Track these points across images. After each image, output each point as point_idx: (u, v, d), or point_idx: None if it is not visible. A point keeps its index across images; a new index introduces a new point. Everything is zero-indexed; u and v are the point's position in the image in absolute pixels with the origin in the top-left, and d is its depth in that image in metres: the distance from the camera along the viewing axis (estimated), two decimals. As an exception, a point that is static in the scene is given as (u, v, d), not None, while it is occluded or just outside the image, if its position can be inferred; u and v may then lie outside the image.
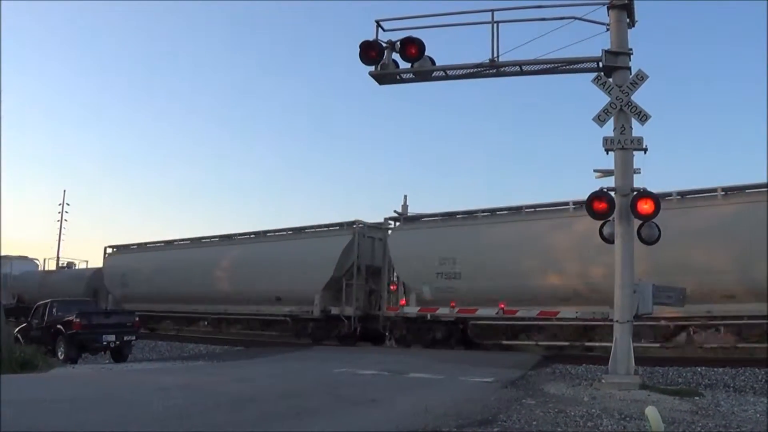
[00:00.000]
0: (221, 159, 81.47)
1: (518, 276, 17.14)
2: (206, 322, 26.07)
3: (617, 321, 10.36)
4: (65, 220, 48.23)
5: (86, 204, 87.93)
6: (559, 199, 18.21)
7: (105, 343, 17.17)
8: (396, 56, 11.48)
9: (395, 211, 20.48)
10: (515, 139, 74.55)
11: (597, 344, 16.37)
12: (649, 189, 10.27)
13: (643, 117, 10.47)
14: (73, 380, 11.99)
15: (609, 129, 10.63)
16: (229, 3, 69.16)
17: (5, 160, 66.89)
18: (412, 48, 11.20)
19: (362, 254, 20.75)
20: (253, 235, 25.10)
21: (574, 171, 66.08)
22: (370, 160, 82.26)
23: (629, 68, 10.78)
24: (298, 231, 23.40)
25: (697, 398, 9.58)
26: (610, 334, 11.28)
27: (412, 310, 19.03)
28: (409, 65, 11.50)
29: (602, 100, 10.64)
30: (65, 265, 37.09)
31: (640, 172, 10.47)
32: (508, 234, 17.97)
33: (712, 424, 7.47)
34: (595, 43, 10.83)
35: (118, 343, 17.33)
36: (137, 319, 18.68)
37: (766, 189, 14.60)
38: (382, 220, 21.48)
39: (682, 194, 15.98)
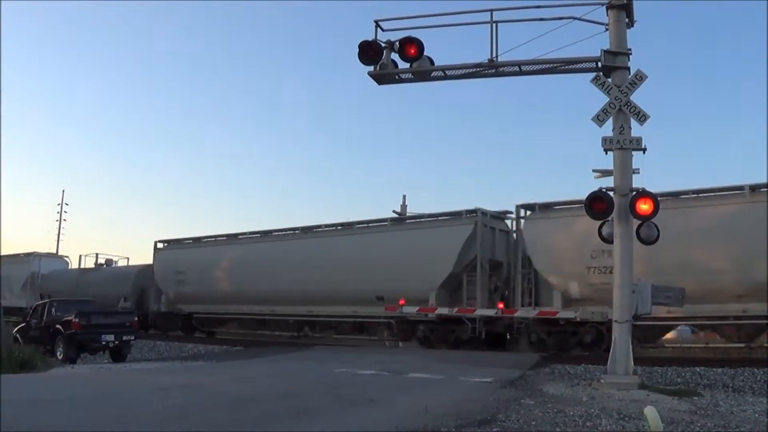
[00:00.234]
0: (221, 159, 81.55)
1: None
2: (290, 322, 22.86)
3: (616, 321, 10.37)
4: (64, 220, 48.26)
5: (85, 204, 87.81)
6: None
7: (104, 342, 17.16)
8: (395, 56, 11.49)
9: (394, 211, 20.26)
10: (515, 139, 74.71)
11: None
12: (648, 189, 10.29)
13: (642, 117, 10.48)
14: (71, 380, 11.97)
15: (608, 129, 10.64)
16: (229, 3, 69.32)
17: (5, 160, 66.85)
18: (411, 48, 11.20)
19: (484, 247, 18.62)
20: (339, 227, 22.74)
21: (573, 171, 66.16)
22: (369, 160, 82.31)
23: (628, 68, 10.78)
24: (399, 221, 21.41)
25: (696, 398, 9.59)
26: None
27: (411, 310, 18.51)
28: (408, 65, 11.51)
29: (601, 100, 10.66)
30: (104, 263, 33.60)
31: (639, 172, 10.50)
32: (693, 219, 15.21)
33: (711, 424, 7.48)
34: (594, 43, 10.86)
35: (117, 342, 17.32)
36: (136, 319, 18.69)
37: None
38: (499, 209, 19.58)
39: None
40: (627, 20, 10.96)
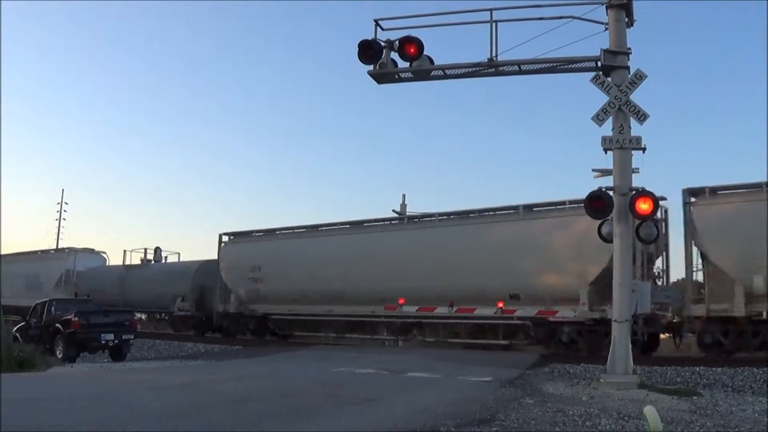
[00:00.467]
0: (221, 159, 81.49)
1: None
2: (397, 324, 19.73)
3: (615, 320, 10.36)
4: (64, 219, 48.17)
5: (86, 203, 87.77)
6: None
7: (103, 342, 17.15)
8: (395, 55, 11.48)
9: (394, 211, 20.20)
10: (514, 139, 74.70)
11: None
12: (647, 188, 10.29)
13: (641, 116, 10.48)
14: (71, 379, 11.97)
15: (608, 128, 10.65)
16: (229, 3, 69.24)
17: (5, 160, 66.83)
18: (411, 47, 11.19)
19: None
20: (452, 216, 20.03)
21: (573, 170, 66.16)
22: (368, 159, 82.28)
23: (628, 67, 10.79)
24: (529, 209, 18.10)
25: (695, 398, 9.59)
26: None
27: (411, 309, 18.48)
28: (407, 64, 11.51)
29: (601, 99, 10.66)
30: (151, 258, 30.12)
31: (638, 172, 10.51)
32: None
33: (710, 423, 7.48)
34: (594, 42, 10.87)
35: (116, 342, 17.31)
36: (135, 318, 18.67)
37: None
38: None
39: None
40: (627, 19, 10.96)
